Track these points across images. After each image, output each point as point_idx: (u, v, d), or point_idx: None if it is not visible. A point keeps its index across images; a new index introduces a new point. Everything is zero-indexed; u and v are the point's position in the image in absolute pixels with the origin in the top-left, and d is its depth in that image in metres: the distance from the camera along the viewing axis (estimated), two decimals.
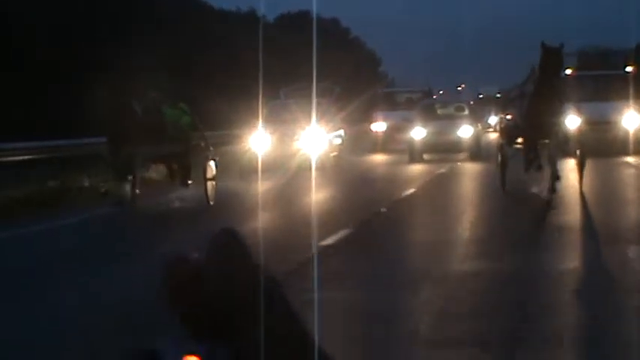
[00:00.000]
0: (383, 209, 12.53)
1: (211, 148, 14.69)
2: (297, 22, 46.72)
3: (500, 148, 14.61)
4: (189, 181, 13.98)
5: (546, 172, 12.48)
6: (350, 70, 33.59)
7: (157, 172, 15.05)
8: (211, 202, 13.47)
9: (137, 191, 12.92)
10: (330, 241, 9.25)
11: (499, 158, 14.33)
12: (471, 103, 27.86)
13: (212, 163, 13.99)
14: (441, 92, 31.74)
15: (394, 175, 18.92)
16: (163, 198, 14.41)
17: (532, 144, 13.42)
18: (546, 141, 13.30)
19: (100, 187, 14.78)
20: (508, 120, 15.94)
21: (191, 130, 14.26)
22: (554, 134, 13.15)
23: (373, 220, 11.66)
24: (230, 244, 0.70)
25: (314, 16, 31.94)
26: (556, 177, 12.50)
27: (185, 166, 14.00)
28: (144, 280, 6.44)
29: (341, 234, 9.77)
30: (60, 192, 15.00)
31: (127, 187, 12.93)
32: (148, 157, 13.73)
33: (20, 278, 8.05)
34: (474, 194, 15.14)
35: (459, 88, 28.15)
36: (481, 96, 30.93)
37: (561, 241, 9.42)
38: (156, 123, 13.64)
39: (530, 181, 13.34)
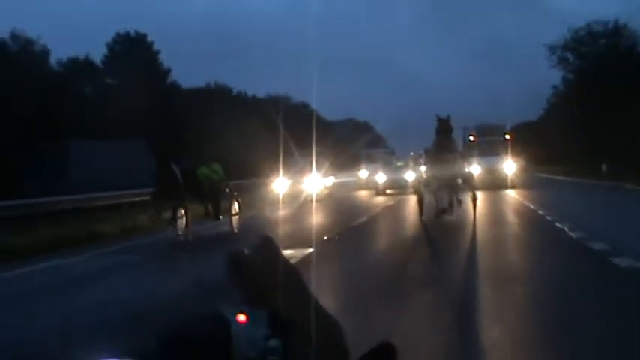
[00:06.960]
0: (351, 225, 17.46)
1: (235, 193, 17.45)
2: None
3: (417, 190, 18.86)
4: (220, 217, 16.92)
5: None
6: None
7: (196, 210, 17.18)
8: (235, 230, 16.53)
9: (189, 223, 15.89)
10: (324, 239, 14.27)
11: (417, 197, 18.67)
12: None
13: (236, 204, 16.99)
14: (412, 154, 40.26)
15: (367, 204, 25.68)
16: (205, 227, 16.98)
17: (436, 185, 16.68)
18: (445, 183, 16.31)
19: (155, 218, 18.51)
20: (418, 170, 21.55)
21: (221, 182, 16.99)
22: (452, 177, 16.34)
23: (348, 229, 16.10)
24: (266, 244, 0.83)
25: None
26: (458, 201, 16.42)
27: (216, 206, 16.90)
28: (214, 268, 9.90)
29: (325, 237, 14.73)
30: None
31: (182, 222, 15.70)
32: (189, 202, 16.17)
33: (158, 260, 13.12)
34: (408, 214, 20.34)
35: (421, 152, 37.21)
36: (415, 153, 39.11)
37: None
38: (191, 180, 16.01)
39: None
